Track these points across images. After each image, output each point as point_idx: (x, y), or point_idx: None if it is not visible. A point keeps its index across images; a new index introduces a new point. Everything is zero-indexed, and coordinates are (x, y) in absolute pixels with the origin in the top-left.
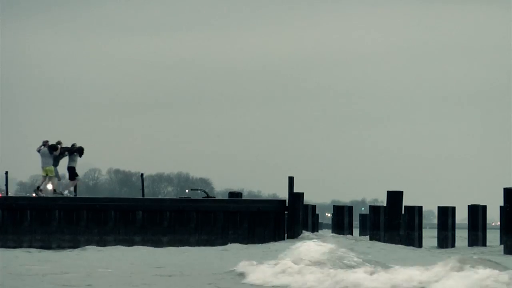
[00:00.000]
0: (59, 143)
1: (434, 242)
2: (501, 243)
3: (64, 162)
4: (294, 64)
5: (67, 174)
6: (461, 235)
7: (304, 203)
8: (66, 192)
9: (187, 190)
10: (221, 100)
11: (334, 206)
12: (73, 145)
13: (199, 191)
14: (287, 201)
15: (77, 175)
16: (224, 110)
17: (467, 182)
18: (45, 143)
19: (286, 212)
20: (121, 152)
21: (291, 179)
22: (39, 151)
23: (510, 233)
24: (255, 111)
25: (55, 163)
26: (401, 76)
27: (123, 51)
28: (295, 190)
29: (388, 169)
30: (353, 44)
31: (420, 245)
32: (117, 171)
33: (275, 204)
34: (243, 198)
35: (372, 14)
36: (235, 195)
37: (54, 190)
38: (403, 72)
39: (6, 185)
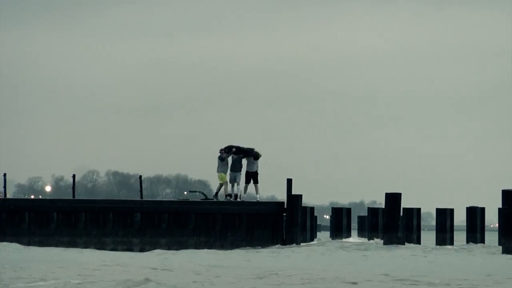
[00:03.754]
0: (229, 148)
1: (433, 243)
2: (499, 245)
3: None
4: (293, 67)
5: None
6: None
7: (303, 205)
8: (248, 195)
9: (185, 192)
10: (220, 102)
11: (332, 208)
12: (250, 149)
13: (197, 193)
14: (285, 203)
15: (250, 180)
16: (222, 112)
17: (465, 183)
18: (222, 151)
19: (284, 214)
20: (119, 154)
21: (289, 181)
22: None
23: (509, 235)
24: (254, 113)
25: (236, 168)
26: (399, 79)
27: (122, 53)
28: (293, 192)
29: (386, 171)
30: (352, 46)
31: None
32: (115, 173)
33: (273, 206)
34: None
35: (381, 17)
36: None
37: (229, 196)
38: (402, 75)
39: (5, 187)
